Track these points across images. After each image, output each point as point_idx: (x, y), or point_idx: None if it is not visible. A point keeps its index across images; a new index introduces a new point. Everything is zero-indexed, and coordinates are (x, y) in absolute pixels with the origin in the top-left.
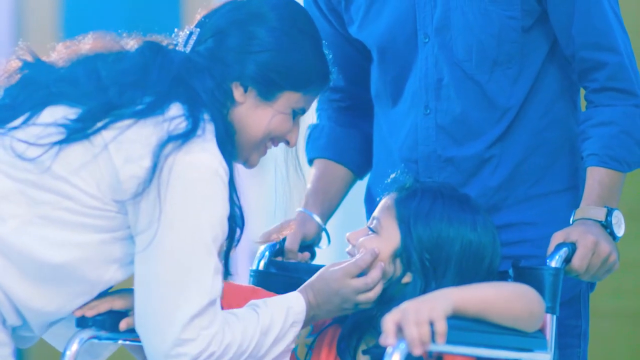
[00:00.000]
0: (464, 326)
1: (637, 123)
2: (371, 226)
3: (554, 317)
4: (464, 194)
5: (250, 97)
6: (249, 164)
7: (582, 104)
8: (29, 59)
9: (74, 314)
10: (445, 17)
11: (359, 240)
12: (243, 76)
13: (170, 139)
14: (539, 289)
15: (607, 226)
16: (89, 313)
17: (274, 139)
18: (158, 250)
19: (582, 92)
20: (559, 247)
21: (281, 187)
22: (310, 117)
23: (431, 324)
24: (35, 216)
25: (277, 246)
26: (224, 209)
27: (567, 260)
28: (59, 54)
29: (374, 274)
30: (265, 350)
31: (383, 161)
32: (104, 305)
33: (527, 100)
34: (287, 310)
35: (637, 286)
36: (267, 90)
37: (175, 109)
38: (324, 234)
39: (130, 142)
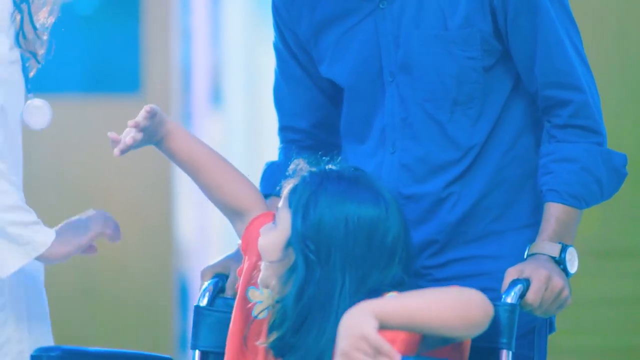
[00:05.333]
0: None
1: (598, 161)
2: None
3: (510, 352)
4: (356, 173)
5: None
6: None
7: None
8: None
9: None
10: (408, 56)
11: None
12: None
13: None
14: (495, 325)
15: (560, 262)
16: None
17: None
18: None
19: None
20: (513, 283)
21: None
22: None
23: None
24: None
25: (220, 283)
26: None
27: (522, 295)
28: None
29: None
30: None
31: None
32: None
33: (489, 138)
34: None
35: (596, 323)
36: None
37: None
38: None
39: None
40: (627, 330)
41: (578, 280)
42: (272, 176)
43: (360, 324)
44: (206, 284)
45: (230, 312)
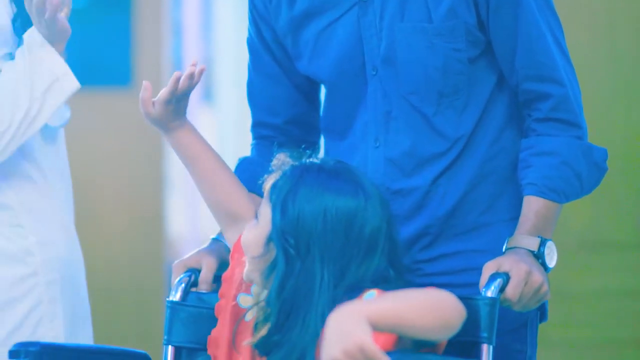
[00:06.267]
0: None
1: (578, 155)
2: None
3: (491, 347)
4: (337, 165)
5: None
6: None
7: None
8: None
9: None
10: (391, 49)
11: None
12: None
13: None
14: (475, 319)
15: (539, 257)
16: None
17: None
18: None
19: None
20: (493, 277)
21: None
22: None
23: None
24: None
25: (193, 277)
26: None
27: (501, 290)
28: None
29: None
30: None
31: None
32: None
33: (476, 129)
34: None
35: (587, 316)
36: None
37: None
38: None
39: None
40: (617, 322)
41: (568, 273)
42: (245, 172)
43: (355, 330)
44: (178, 278)
45: (203, 307)
